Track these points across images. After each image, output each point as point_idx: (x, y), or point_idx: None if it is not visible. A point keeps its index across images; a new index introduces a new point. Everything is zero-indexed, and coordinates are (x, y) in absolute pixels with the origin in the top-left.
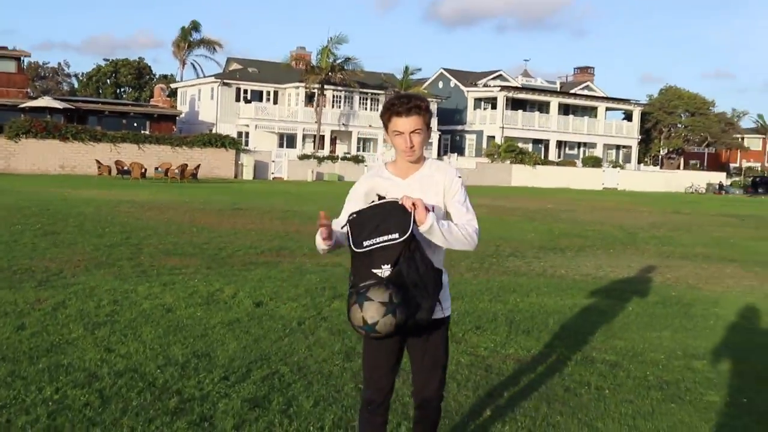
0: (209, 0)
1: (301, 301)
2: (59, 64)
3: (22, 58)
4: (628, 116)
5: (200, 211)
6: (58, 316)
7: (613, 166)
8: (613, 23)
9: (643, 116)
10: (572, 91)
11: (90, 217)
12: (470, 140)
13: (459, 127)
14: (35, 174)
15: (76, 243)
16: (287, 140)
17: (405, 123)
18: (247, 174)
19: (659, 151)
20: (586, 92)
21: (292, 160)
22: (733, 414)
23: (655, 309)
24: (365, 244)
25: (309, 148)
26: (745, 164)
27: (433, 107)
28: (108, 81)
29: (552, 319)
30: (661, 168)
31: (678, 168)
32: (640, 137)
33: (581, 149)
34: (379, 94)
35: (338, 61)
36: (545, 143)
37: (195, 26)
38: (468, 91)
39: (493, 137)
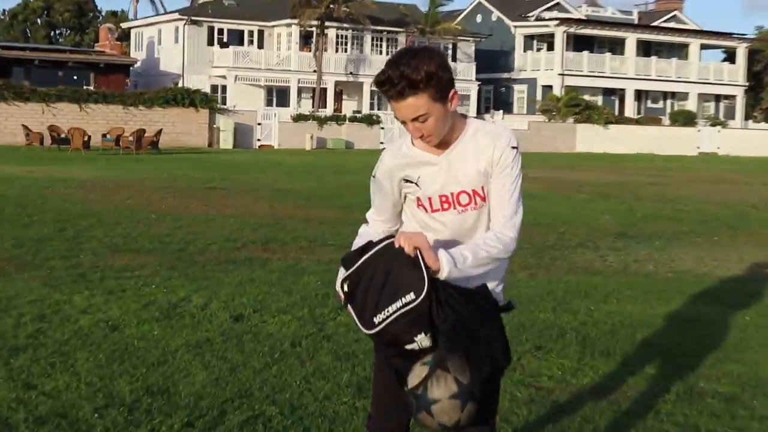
0: None
1: (296, 313)
2: None
3: None
4: (731, 56)
5: (162, 192)
6: None
7: (711, 124)
8: None
9: (751, 56)
10: (654, 24)
11: (12, 201)
12: (519, 92)
13: (504, 75)
14: None
15: None
16: (277, 96)
17: (401, 109)
18: (225, 142)
19: None
20: (673, 25)
21: (284, 122)
22: None
23: None
24: (377, 320)
25: (306, 107)
26: None
27: (470, 50)
28: (39, 21)
29: (640, 334)
30: None
31: None
32: (747, 84)
33: (668, 101)
34: (396, 33)
35: None
36: (620, 94)
37: None
38: (515, 27)
39: (550, 88)
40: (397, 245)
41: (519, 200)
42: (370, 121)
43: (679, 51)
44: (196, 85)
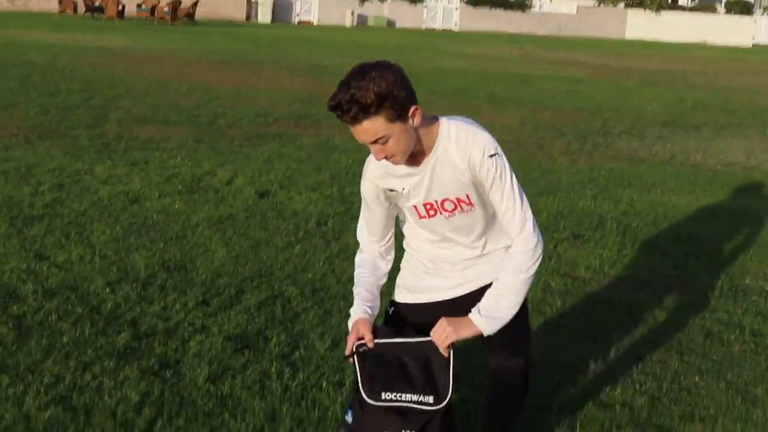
0: None
1: (324, 190)
2: None
3: None
4: None
5: (194, 64)
6: None
7: None
8: None
9: None
10: None
11: (41, 68)
12: None
13: None
14: None
15: (16, 103)
16: None
17: (358, 134)
18: (264, 16)
19: None
20: None
21: None
22: None
23: None
24: (384, 396)
25: None
26: None
27: None
28: None
29: (684, 227)
30: None
31: None
32: None
33: None
34: None
35: None
36: None
37: None
38: None
39: None
40: (434, 336)
41: (522, 203)
42: None
43: None
44: None
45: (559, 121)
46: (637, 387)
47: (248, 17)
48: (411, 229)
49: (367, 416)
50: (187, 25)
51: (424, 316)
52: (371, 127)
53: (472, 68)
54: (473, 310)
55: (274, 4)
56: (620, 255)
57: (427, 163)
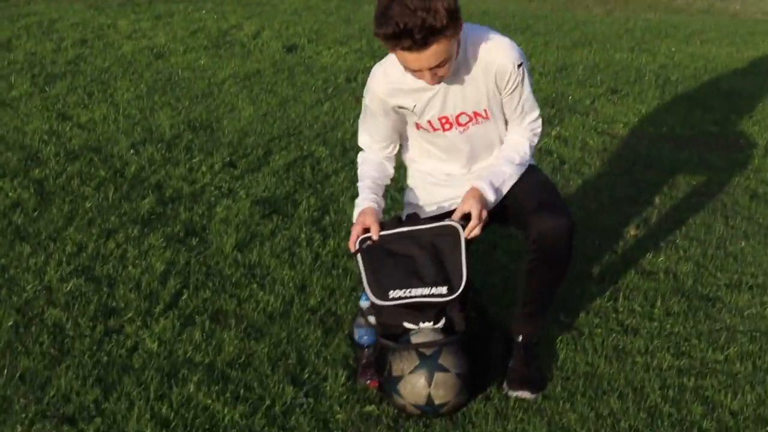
0: None
1: (353, 44)
2: None
3: None
4: None
5: None
6: None
7: None
8: None
9: None
10: None
11: None
12: None
13: None
14: None
15: None
16: None
17: (419, 60)
18: None
19: None
20: None
21: None
22: None
23: None
24: (392, 295)
25: None
26: None
27: None
28: None
29: (725, 81)
30: None
31: None
32: None
33: None
34: None
35: None
36: None
37: None
38: None
39: None
40: (451, 225)
41: (534, 105)
42: None
43: None
44: None
45: None
46: (682, 253)
47: None
48: (418, 145)
49: (383, 311)
50: None
51: None
52: (437, 51)
53: None
54: (478, 180)
55: None
56: (659, 110)
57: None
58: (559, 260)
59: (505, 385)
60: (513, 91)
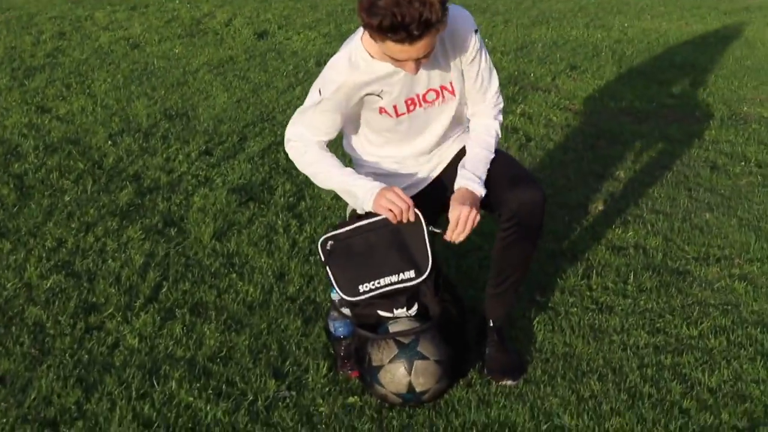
0: None
1: (322, 29)
2: None
3: None
4: None
5: None
6: None
7: None
8: None
9: None
10: None
11: None
12: None
13: None
14: None
15: None
16: None
17: (408, 51)
18: None
19: None
20: None
21: None
22: None
23: None
24: (362, 289)
25: None
26: None
27: None
28: None
29: (678, 54)
30: None
31: None
32: None
33: None
34: None
35: None
36: None
37: None
38: None
39: None
40: (460, 222)
41: (494, 76)
42: None
43: None
44: None
45: None
46: (649, 227)
47: None
48: (371, 131)
49: (356, 309)
50: None
51: None
52: (429, 42)
53: None
54: (465, 179)
55: None
56: (617, 85)
57: None
58: (533, 232)
59: (485, 372)
60: (473, 59)
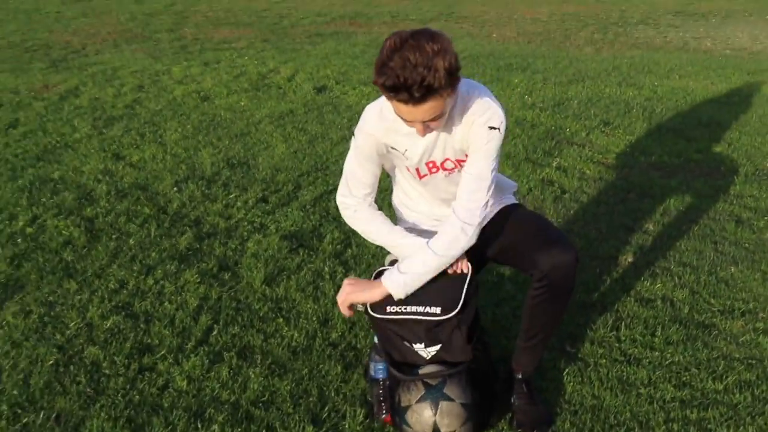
0: None
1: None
2: None
3: None
4: None
5: None
6: (64, 108)
7: None
8: None
9: None
10: None
11: None
12: None
13: None
14: None
15: (109, 11)
16: None
17: (414, 113)
18: None
19: None
20: None
21: None
22: None
23: None
24: (388, 309)
25: None
26: None
27: None
28: None
29: (704, 112)
30: None
31: None
32: None
33: None
34: None
35: None
36: None
37: None
38: None
39: None
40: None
41: (489, 186)
42: None
43: None
44: None
45: (582, 12)
46: (677, 280)
47: None
48: (407, 187)
49: (384, 338)
50: None
51: None
52: (434, 106)
53: None
54: (388, 270)
55: None
56: (647, 141)
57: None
58: (565, 293)
59: (515, 425)
60: (476, 151)
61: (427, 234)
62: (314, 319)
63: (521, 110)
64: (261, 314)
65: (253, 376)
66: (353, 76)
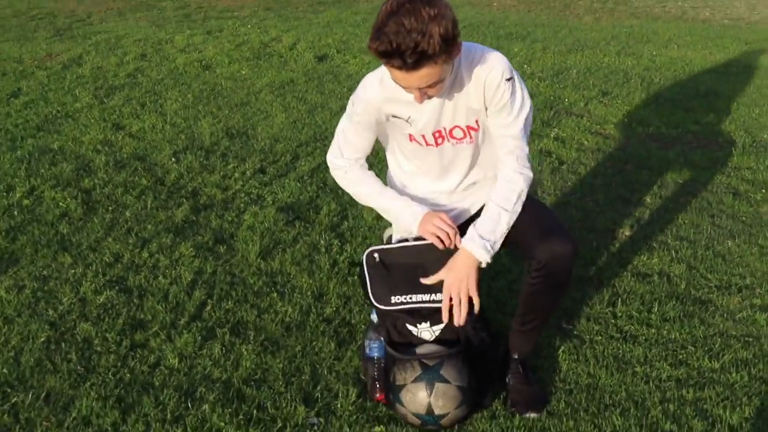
0: None
1: None
2: None
3: None
4: None
5: None
6: (66, 77)
7: None
8: None
9: None
10: None
11: None
12: None
13: None
14: None
15: None
16: None
17: (409, 79)
18: None
19: None
20: None
21: None
22: None
23: None
24: (394, 300)
25: None
26: None
27: None
28: None
29: (702, 82)
30: None
31: None
32: None
33: None
34: None
35: None
36: None
37: None
38: None
39: None
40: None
41: (524, 132)
42: None
43: None
44: None
45: None
46: (674, 254)
47: None
48: (403, 160)
49: (386, 321)
50: None
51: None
52: (429, 73)
53: None
54: (470, 240)
55: None
56: (646, 111)
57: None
58: (561, 283)
59: (509, 405)
60: (502, 107)
61: (420, 202)
62: (308, 293)
63: None
64: (255, 289)
65: (245, 353)
66: (354, 44)
